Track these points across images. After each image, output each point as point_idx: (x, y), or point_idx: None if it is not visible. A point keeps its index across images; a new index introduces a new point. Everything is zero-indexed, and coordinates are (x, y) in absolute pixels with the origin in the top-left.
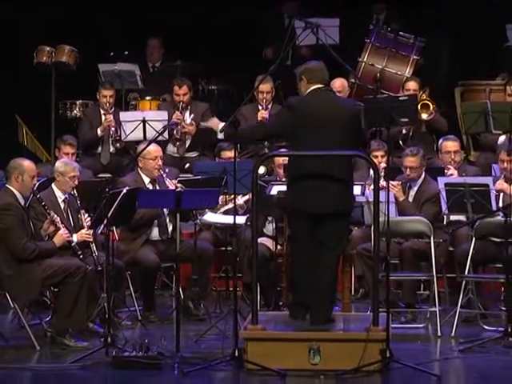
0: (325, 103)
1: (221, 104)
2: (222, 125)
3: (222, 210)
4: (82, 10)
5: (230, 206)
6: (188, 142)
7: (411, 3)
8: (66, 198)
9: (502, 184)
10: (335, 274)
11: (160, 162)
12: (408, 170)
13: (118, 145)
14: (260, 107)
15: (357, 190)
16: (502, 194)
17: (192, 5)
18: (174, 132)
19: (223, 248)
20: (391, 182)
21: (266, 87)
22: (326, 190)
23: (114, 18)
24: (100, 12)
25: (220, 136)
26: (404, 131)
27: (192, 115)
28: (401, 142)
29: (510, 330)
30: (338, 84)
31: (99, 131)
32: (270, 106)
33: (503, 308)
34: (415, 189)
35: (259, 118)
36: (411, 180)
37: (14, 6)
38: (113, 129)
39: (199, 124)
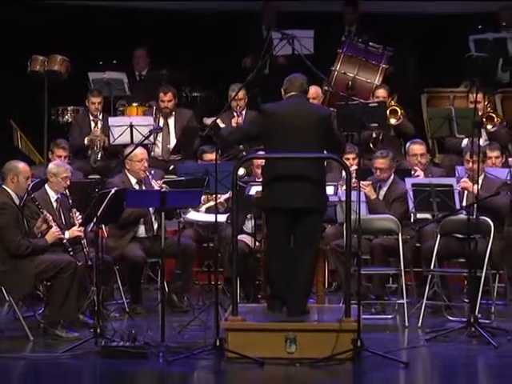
0: (297, 108)
1: (203, 110)
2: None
3: (204, 207)
4: (74, 21)
5: (212, 203)
6: (172, 145)
7: (381, 16)
8: (58, 197)
9: (466, 182)
10: (312, 270)
11: (146, 164)
12: (378, 171)
13: (103, 150)
14: (235, 114)
15: (330, 190)
16: (465, 193)
17: (177, 17)
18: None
19: (205, 244)
20: (363, 182)
21: (240, 95)
22: (299, 189)
23: (103, 29)
24: (90, 23)
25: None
26: (374, 135)
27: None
28: (371, 145)
29: (472, 320)
30: (313, 91)
31: (86, 140)
32: (243, 113)
33: (466, 300)
34: (385, 189)
35: (233, 124)
36: (381, 180)
37: (7, 17)
38: (100, 134)
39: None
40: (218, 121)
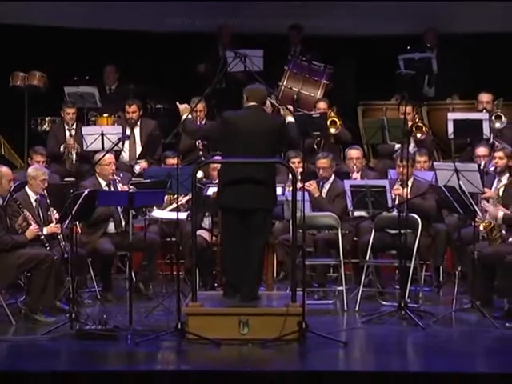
0: (254, 119)
1: (166, 120)
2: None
3: (168, 209)
4: (51, 41)
5: (175, 205)
6: (138, 152)
7: (322, 38)
8: (37, 197)
9: (398, 189)
10: (261, 260)
11: (113, 167)
12: (321, 170)
13: (77, 155)
14: (196, 123)
15: (278, 190)
16: (397, 194)
17: (142, 37)
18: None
19: (168, 239)
20: (309, 181)
21: (199, 107)
22: (251, 190)
23: (77, 48)
24: (66, 43)
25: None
26: (317, 141)
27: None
28: (315, 147)
29: (402, 304)
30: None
31: (61, 148)
32: (203, 122)
33: (397, 287)
34: (327, 186)
35: None
36: (324, 179)
37: None
38: (74, 142)
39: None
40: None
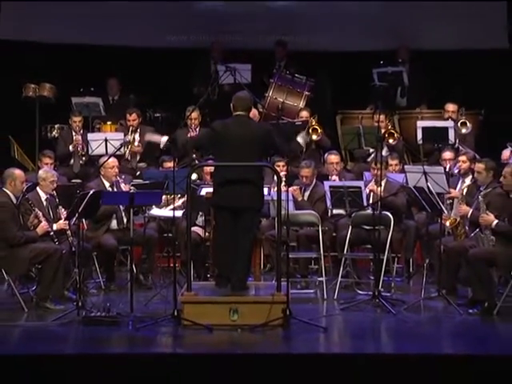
0: (241, 126)
1: (163, 127)
2: (164, 139)
3: (168, 208)
4: (61, 56)
5: (172, 206)
6: (138, 157)
7: (304, 53)
8: (47, 197)
9: (372, 186)
10: (249, 254)
11: (116, 170)
12: (304, 178)
13: (83, 158)
14: (190, 130)
15: (264, 191)
16: (371, 194)
17: (142, 52)
18: (127, 152)
19: (165, 235)
20: (292, 187)
21: (194, 115)
22: (240, 192)
23: (83, 62)
24: (74, 58)
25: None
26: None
27: (139, 137)
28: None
29: (376, 293)
30: (251, 113)
31: (70, 147)
32: (197, 129)
33: (371, 277)
34: (309, 191)
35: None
36: (306, 185)
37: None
38: (80, 146)
39: (145, 138)
40: (159, 136)
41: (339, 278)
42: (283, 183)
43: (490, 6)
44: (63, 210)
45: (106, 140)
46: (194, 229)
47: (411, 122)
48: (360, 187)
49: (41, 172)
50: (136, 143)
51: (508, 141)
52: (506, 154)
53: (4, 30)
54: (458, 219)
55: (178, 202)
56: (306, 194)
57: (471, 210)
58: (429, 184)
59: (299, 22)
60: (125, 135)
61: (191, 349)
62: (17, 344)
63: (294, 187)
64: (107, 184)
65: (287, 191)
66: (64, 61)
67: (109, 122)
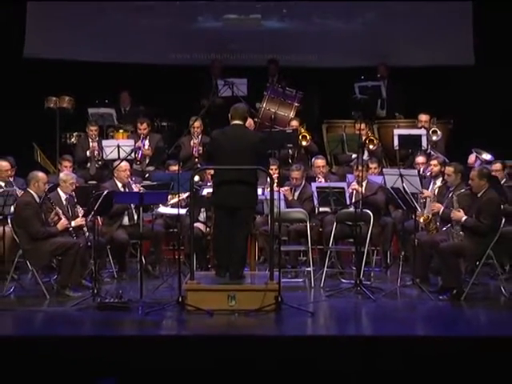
0: (237, 134)
1: (169, 134)
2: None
3: (171, 202)
4: (78, 72)
5: (175, 200)
6: (147, 160)
7: (294, 69)
8: (67, 197)
9: (355, 185)
10: (245, 247)
11: (128, 173)
12: (294, 179)
13: (99, 162)
14: (193, 137)
15: (259, 191)
16: (354, 192)
17: (151, 68)
18: (137, 156)
19: (171, 230)
20: (284, 187)
21: (196, 124)
22: (237, 192)
23: (98, 77)
24: (90, 73)
25: None
26: (290, 152)
27: (148, 144)
28: (290, 160)
29: (358, 282)
30: (247, 122)
31: (87, 153)
32: (199, 137)
33: (354, 267)
34: (298, 191)
35: (191, 144)
36: (296, 186)
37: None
38: (96, 152)
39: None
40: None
41: (325, 268)
42: (275, 184)
43: (457, 27)
44: (81, 208)
45: (118, 146)
46: (196, 225)
47: (389, 130)
48: (343, 188)
49: (61, 175)
50: (146, 147)
51: (473, 147)
52: (471, 158)
53: (28, 49)
54: (430, 216)
55: (182, 197)
56: (296, 193)
57: (442, 208)
58: (404, 185)
59: (290, 42)
60: (135, 142)
61: (194, 331)
62: (40, 326)
63: (286, 187)
64: (120, 185)
65: (279, 191)
66: (81, 76)
67: (121, 130)
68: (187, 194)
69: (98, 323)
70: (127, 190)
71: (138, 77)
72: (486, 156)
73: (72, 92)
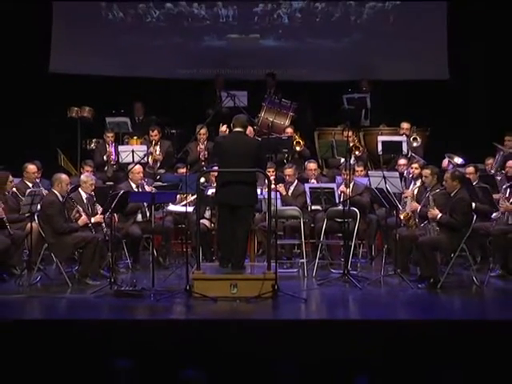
0: (239, 140)
1: (178, 141)
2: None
3: (181, 204)
4: (97, 85)
5: (184, 202)
6: (158, 163)
7: (290, 83)
8: (87, 196)
9: (343, 188)
10: (246, 241)
11: (141, 175)
12: (287, 176)
13: (115, 165)
14: (199, 143)
15: (258, 191)
16: (342, 194)
17: (163, 82)
18: (149, 160)
19: (179, 226)
20: (279, 184)
21: (202, 131)
22: (239, 191)
23: (115, 89)
24: (107, 86)
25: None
26: (285, 156)
27: (159, 149)
28: (285, 161)
29: (346, 272)
30: (247, 130)
31: (105, 157)
32: (205, 143)
33: (342, 259)
34: (292, 188)
35: (198, 150)
36: (289, 183)
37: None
38: (112, 156)
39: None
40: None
41: (316, 260)
42: (272, 185)
43: (433, 46)
44: (99, 206)
45: (132, 151)
46: (202, 221)
47: (373, 137)
48: (333, 188)
49: (82, 176)
50: (157, 152)
51: (446, 152)
52: (444, 162)
53: (53, 65)
54: (410, 213)
55: (191, 198)
56: (290, 190)
57: (419, 207)
58: (387, 186)
59: (285, 59)
60: (148, 148)
61: (200, 315)
62: (63, 311)
63: (280, 184)
64: (134, 186)
65: (275, 190)
66: (100, 89)
67: (135, 137)
68: (195, 197)
69: (114, 308)
70: (140, 190)
71: (151, 89)
72: (458, 160)
73: (92, 103)
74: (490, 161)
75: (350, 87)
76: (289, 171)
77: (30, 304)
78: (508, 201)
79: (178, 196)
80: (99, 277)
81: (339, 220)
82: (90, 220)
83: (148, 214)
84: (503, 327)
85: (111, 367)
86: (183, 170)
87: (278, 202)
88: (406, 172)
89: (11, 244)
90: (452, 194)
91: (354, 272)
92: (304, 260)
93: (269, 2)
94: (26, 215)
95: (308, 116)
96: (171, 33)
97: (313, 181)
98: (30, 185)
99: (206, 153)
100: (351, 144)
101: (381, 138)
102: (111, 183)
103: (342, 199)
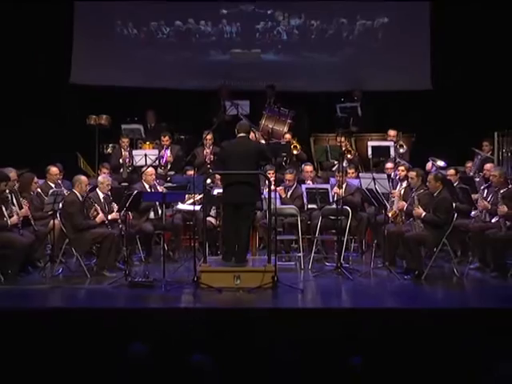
0: (242, 144)
1: (186, 145)
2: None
3: (188, 202)
4: (113, 95)
5: (191, 200)
6: (169, 166)
7: (289, 93)
8: (104, 196)
9: (336, 189)
10: (248, 236)
11: (153, 177)
12: (287, 181)
13: (130, 168)
14: (206, 147)
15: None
16: (336, 194)
17: (172, 92)
18: (161, 162)
19: (188, 223)
20: (279, 187)
21: (208, 137)
22: (242, 191)
23: (129, 99)
24: (123, 96)
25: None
26: (284, 159)
27: (169, 152)
28: (284, 164)
29: (339, 265)
30: (250, 135)
31: (120, 160)
32: (211, 147)
33: (335, 253)
34: (291, 191)
35: (204, 153)
36: (289, 186)
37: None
38: (127, 159)
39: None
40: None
41: (312, 254)
42: (272, 186)
43: (417, 58)
44: (115, 205)
45: (145, 155)
46: (208, 218)
47: (364, 142)
48: (327, 189)
49: (99, 178)
50: (168, 155)
51: (430, 156)
52: (428, 165)
53: (73, 77)
54: (397, 211)
55: (198, 198)
56: (289, 193)
57: (406, 205)
58: (376, 186)
59: (284, 71)
60: (159, 151)
61: (206, 304)
62: (82, 300)
63: (280, 187)
64: (147, 186)
65: (275, 191)
66: (116, 98)
67: (147, 142)
68: (201, 196)
69: (129, 298)
70: (153, 190)
71: (162, 99)
72: (440, 163)
73: (108, 111)
74: (469, 164)
75: (343, 97)
76: (289, 176)
77: (53, 294)
78: (485, 200)
79: (187, 196)
80: (115, 269)
81: (333, 217)
82: (106, 217)
83: (159, 212)
84: (481, 315)
85: (126, 351)
86: (191, 172)
87: (278, 201)
88: (393, 174)
89: (36, 239)
90: (435, 194)
91: (347, 265)
92: (301, 254)
93: (269, 20)
94: (49, 213)
95: (305, 123)
96: (180, 48)
97: (309, 182)
98: (53, 185)
99: (212, 156)
100: (344, 148)
101: (370, 143)
102: (126, 184)
103: (335, 199)
